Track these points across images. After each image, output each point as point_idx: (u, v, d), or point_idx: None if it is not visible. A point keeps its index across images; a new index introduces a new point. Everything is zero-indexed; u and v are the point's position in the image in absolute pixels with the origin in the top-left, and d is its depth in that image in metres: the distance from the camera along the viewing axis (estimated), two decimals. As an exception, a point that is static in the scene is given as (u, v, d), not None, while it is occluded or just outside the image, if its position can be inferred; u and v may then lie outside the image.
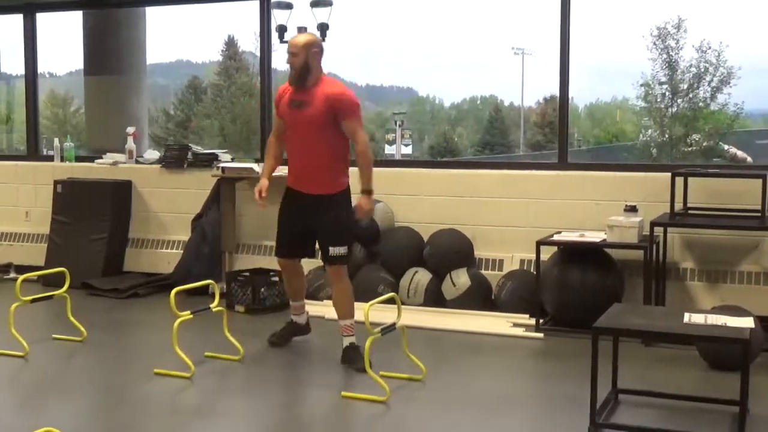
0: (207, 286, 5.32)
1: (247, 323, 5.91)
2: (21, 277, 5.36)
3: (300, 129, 4.90)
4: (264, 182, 5.06)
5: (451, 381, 4.65)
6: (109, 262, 7.27)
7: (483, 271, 6.25)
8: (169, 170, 7.34)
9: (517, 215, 6.29)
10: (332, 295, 5.11)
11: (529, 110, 41.07)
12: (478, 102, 45.33)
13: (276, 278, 6.38)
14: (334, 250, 4.91)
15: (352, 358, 4.82)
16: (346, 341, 4.90)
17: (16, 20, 8.21)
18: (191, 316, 4.85)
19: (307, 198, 4.95)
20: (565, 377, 4.68)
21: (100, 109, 8.55)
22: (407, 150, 33.06)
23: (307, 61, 4.84)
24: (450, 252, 6.24)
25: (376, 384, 4.27)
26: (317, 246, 5.08)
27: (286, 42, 6.91)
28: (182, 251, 7.03)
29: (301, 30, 6.53)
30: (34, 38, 8.23)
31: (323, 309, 6.13)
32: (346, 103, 4.83)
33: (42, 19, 8.20)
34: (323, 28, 6.85)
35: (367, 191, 4.85)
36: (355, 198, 4.95)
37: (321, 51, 4.93)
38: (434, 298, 6.16)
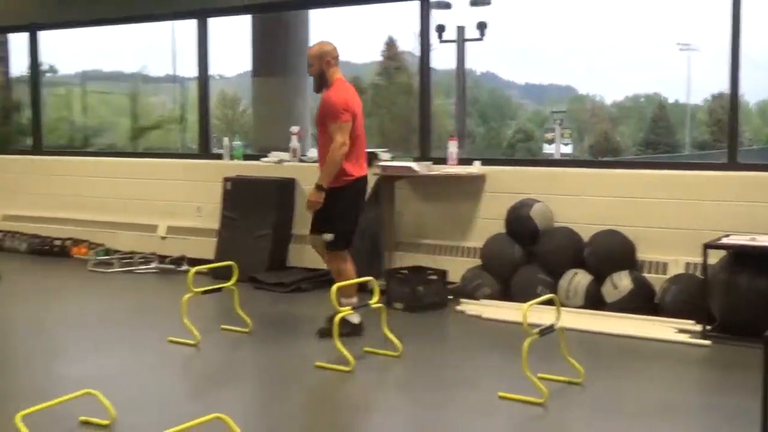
0: (366, 282, 5.43)
1: (406, 320, 5.97)
2: (192, 270, 5.64)
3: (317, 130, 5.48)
4: None
5: (611, 386, 4.55)
6: (273, 257, 7.53)
7: (645, 274, 6.08)
8: (331, 169, 7.49)
9: (682, 217, 6.07)
10: None
11: (695, 108, 39.48)
12: (642, 100, 43.91)
13: (434, 276, 6.43)
14: (324, 237, 5.41)
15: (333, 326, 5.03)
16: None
17: (190, 25, 8.63)
18: (352, 311, 4.96)
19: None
20: (734, 388, 4.49)
21: (266, 109, 8.87)
22: (567, 149, 32.48)
23: (321, 69, 5.35)
24: (611, 253, 6.10)
25: (534, 386, 4.23)
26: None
27: (446, 41, 7.01)
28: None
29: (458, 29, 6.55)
30: (206, 42, 8.59)
31: (480, 308, 6.14)
32: (325, 107, 5.29)
33: (213, 23, 8.58)
34: (482, 26, 6.87)
35: (317, 185, 5.29)
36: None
37: (334, 59, 5.38)
38: (594, 300, 6.04)
